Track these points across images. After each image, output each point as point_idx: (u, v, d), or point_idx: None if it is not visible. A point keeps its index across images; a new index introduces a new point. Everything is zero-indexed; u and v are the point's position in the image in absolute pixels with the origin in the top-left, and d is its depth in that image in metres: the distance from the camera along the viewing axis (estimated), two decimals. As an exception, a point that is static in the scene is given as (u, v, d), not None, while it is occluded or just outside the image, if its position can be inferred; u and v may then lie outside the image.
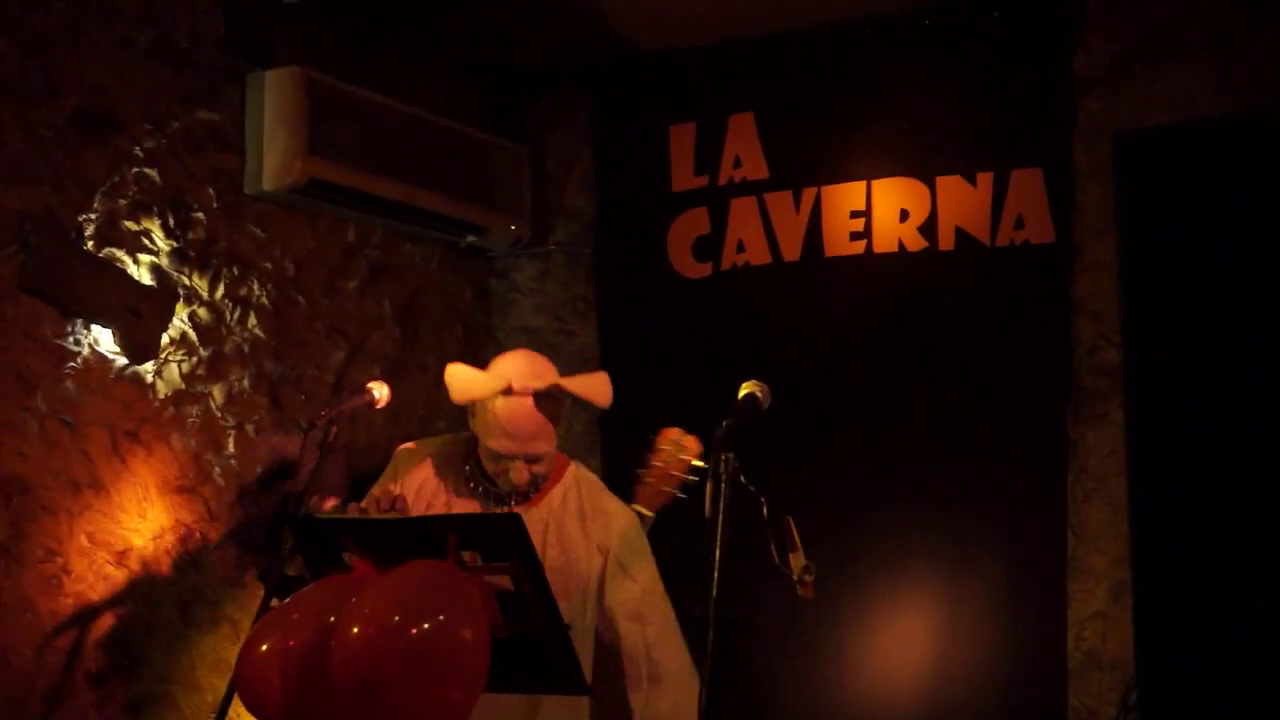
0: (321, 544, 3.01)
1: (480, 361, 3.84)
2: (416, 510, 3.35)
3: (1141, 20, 4.50)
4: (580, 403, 3.83)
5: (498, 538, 2.84)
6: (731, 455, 2.78)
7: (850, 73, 4.91)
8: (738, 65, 5.09)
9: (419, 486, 3.42)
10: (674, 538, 3.47)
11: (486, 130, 5.18)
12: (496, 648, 2.76)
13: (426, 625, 2.64)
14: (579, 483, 3.47)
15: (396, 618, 2.65)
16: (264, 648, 2.76)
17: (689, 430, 3.73)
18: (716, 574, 2.67)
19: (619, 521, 3.45)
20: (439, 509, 3.38)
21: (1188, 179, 2.53)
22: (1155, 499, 2.29)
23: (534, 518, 3.31)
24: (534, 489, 3.39)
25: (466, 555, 2.84)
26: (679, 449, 3.64)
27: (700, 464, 3.56)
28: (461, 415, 4.12)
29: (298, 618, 2.79)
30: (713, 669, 2.60)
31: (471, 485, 3.41)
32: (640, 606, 3.36)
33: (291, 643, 2.73)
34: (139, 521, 4.02)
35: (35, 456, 3.78)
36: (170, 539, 4.11)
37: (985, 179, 4.65)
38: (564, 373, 3.50)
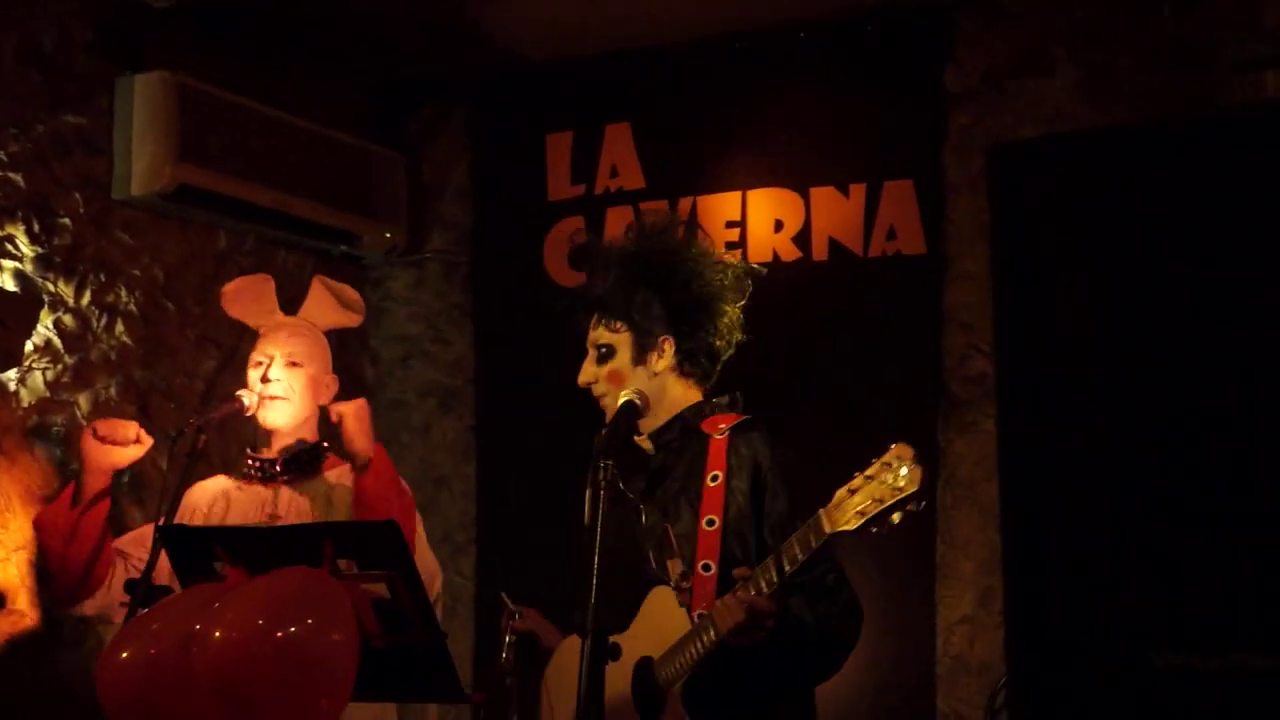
0: (192, 553, 2.96)
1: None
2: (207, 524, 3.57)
3: (1010, 36, 4.59)
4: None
5: (374, 546, 2.82)
6: (611, 463, 2.78)
7: (726, 84, 4.95)
8: (614, 76, 5.11)
9: (205, 512, 3.64)
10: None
11: (363, 138, 5.14)
12: (373, 656, 2.74)
13: (292, 629, 2.61)
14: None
15: (260, 621, 2.61)
16: (124, 655, 2.71)
17: (575, 439, 3.68)
18: (595, 581, 2.66)
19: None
20: (215, 515, 3.62)
21: (1061, 191, 2.58)
22: (1025, 505, 2.33)
23: (305, 489, 3.61)
24: (307, 467, 3.65)
25: (343, 564, 2.81)
26: (899, 474, 2.72)
27: (913, 507, 2.70)
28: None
29: (158, 626, 2.75)
30: (590, 676, 2.58)
31: (245, 471, 3.69)
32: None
33: (153, 650, 2.68)
34: (1, 532, 3.93)
35: (-107, 467, 3.68)
36: (34, 550, 4.01)
37: (858, 190, 4.71)
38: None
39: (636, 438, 3.21)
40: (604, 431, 2.91)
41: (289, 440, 3.67)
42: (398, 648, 2.83)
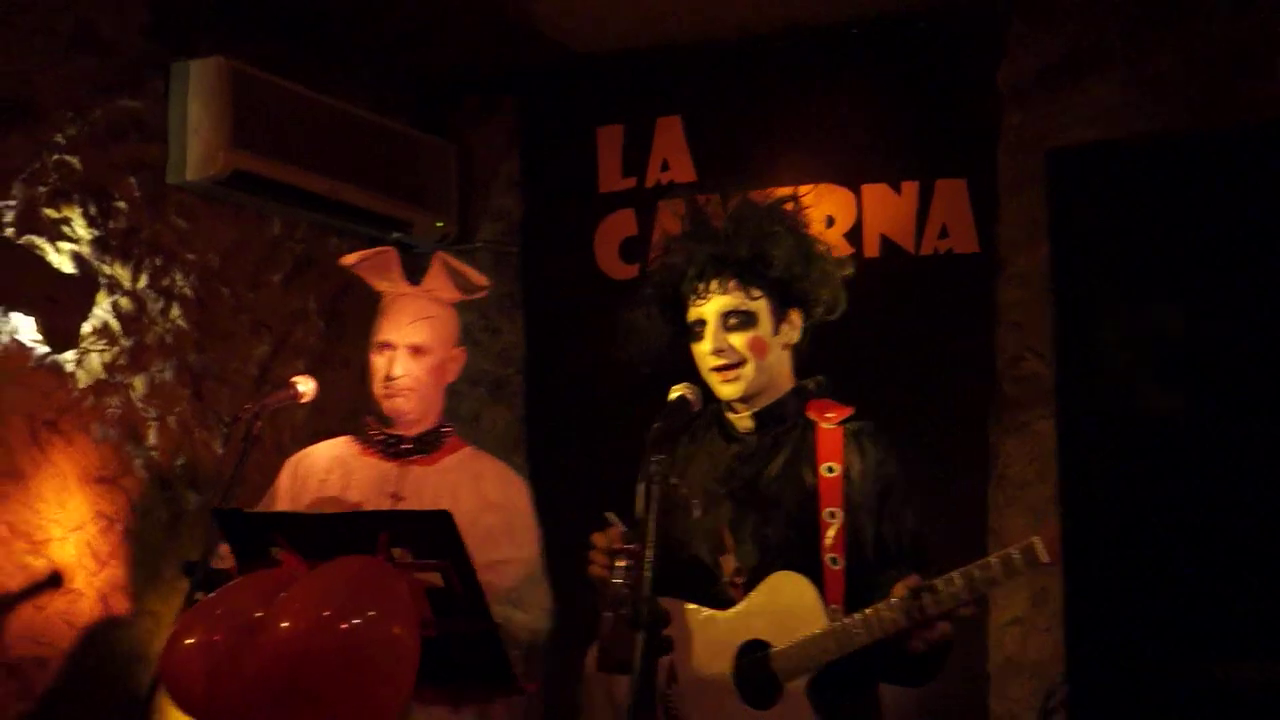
0: (249, 538, 3.00)
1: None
2: (325, 491, 3.54)
3: (1063, 35, 4.57)
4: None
5: (428, 535, 2.83)
6: (663, 457, 2.77)
7: (778, 79, 4.94)
8: (667, 69, 5.11)
9: (323, 477, 3.59)
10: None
11: (415, 127, 5.16)
12: (426, 646, 2.76)
13: (356, 621, 2.63)
14: (477, 455, 3.69)
15: (326, 613, 2.64)
16: (189, 641, 2.74)
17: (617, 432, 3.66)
18: (647, 574, 2.66)
19: (513, 484, 3.67)
20: (334, 483, 3.56)
21: (1120, 197, 2.58)
22: (1085, 509, 2.33)
23: (430, 475, 3.54)
24: (431, 446, 3.60)
25: (397, 552, 2.83)
26: None
27: None
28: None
29: (223, 612, 2.78)
30: (644, 668, 2.58)
31: (368, 438, 3.63)
32: (518, 590, 3.44)
33: (217, 636, 2.71)
34: (58, 512, 3.97)
35: (-47, 446, 3.73)
36: (91, 530, 4.06)
37: (911, 188, 4.70)
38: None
39: (732, 415, 3.14)
40: (655, 425, 2.88)
41: (415, 426, 3.61)
42: (451, 637, 2.85)
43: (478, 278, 3.68)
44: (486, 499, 3.53)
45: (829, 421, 3.06)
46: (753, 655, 2.93)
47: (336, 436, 3.78)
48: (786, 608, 2.92)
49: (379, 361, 3.56)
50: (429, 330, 3.57)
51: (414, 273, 3.68)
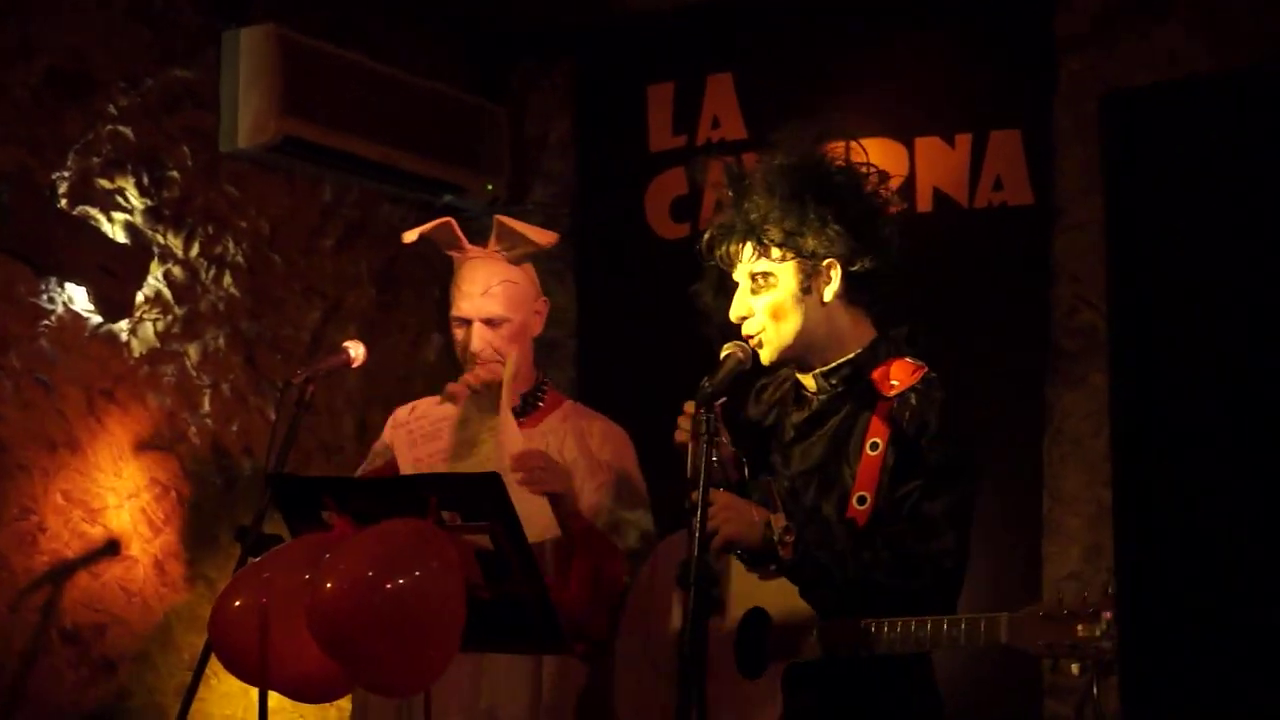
0: (300, 503, 3.00)
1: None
2: (415, 448, 3.44)
3: (1121, -22, 4.49)
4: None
5: (477, 498, 2.83)
6: (713, 415, 2.75)
7: (829, 33, 4.87)
8: (717, 25, 5.05)
9: (432, 437, 3.47)
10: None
11: (466, 91, 5.15)
12: (478, 608, 2.76)
13: (401, 580, 2.63)
14: (577, 411, 3.57)
15: (370, 572, 2.63)
16: (237, 604, 2.76)
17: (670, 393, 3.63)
18: (697, 534, 2.64)
19: (619, 440, 3.53)
20: (442, 446, 3.44)
21: (1177, 140, 2.51)
22: (1137, 461, 2.29)
23: (534, 438, 3.42)
24: (530, 408, 3.49)
25: (447, 515, 2.83)
26: (1108, 631, 2.69)
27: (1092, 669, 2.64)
28: (438, 377, 4.07)
29: (269, 575, 2.79)
30: (693, 629, 2.57)
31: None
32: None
33: (264, 599, 2.72)
34: (114, 480, 4.01)
35: (10, 415, 3.77)
36: (146, 497, 4.10)
37: (964, 140, 4.62)
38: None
39: (801, 375, 3.04)
40: (706, 381, 2.84)
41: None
42: (502, 598, 2.84)
43: (539, 235, 3.48)
44: (594, 459, 3.46)
45: (891, 389, 2.92)
46: (755, 624, 2.88)
47: (422, 398, 3.65)
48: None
49: (459, 334, 3.46)
50: (501, 297, 3.42)
51: (475, 237, 3.56)
